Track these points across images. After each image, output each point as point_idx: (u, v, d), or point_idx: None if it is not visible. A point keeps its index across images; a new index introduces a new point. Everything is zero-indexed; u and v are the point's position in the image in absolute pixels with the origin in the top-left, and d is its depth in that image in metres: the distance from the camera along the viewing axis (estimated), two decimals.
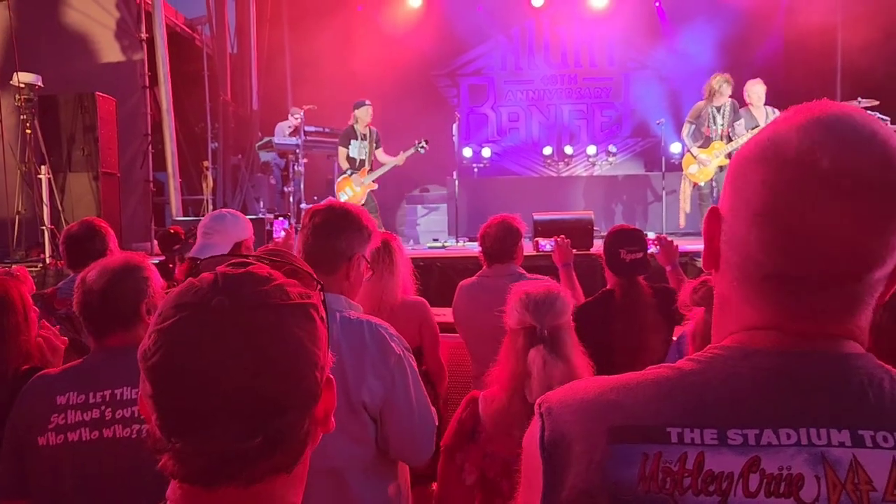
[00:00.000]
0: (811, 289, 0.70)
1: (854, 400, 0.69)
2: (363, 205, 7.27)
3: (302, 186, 8.19)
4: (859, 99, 8.64)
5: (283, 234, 3.37)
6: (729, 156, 7.22)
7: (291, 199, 8.29)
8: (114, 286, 1.75)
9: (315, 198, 8.65)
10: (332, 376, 0.83)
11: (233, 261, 0.82)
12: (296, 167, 8.17)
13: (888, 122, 8.71)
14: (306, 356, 0.77)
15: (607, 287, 2.99)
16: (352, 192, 7.58)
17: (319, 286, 0.86)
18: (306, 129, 8.23)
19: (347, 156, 7.58)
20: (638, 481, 0.68)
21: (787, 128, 0.71)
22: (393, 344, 1.82)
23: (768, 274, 0.71)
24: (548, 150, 11.76)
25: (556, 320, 1.91)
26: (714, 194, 7.32)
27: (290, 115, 9.02)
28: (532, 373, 1.84)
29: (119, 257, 1.86)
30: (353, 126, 7.63)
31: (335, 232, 1.90)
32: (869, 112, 0.74)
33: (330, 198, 8.33)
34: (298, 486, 0.82)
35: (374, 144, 7.69)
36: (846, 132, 0.69)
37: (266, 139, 8.82)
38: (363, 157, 7.60)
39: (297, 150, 8.12)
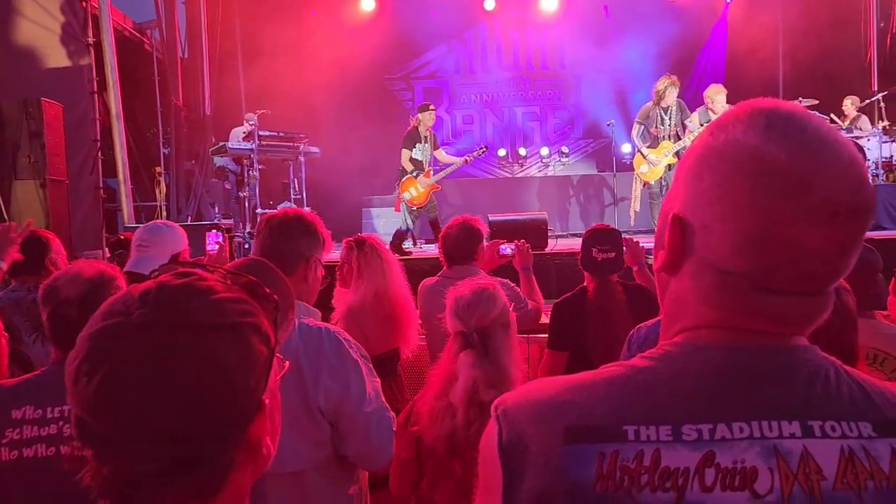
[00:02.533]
0: (790, 300, 0.72)
1: (802, 391, 0.71)
2: (426, 204, 7.65)
3: (257, 192, 8.13)
4: (800, 99, 8.96)
5: (216, 247, 3.26)
6: (677, 154, 7.43)
7: (247, 205, 8.22)
8: (93, 296, 1.70)
9: (271, 203, 8.60)
10: (269, 400, 0.79)
11: (179, 270, 0.79)
12: (251, 172, 8.10)
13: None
14: (227, 382, 0.73)
15: (583, 284, 3.06)
16: (416, 192, 7.77)
17: (275, 304, 0.83)
18: (260, 133, 8.16)
19: (411, 157, 7.80)
20: (595, 481, 0.68)
21: (766, 143, 0.70)
22: (350, 350, 1.85)
23: (751, 287, 0.72)
24: (502, 152, 11.90)
25: (482, 321, 1.94)
26: (663, 192, 7.51)
27: (245, 121, 8.95)
28: (459, 375, 1.91)
29: (90, 266, 1.83)
30: (416, 129, 7.84)
31: (292, 234, 1.94)
32: (816, 113, 0.76)
33: (285, 204, 8.30)
34: None
35: (433, 147, 7.94)
36: (828, 155, 0.70)
37: (220, 144, 8.72)
38: (425, 159, 7.82)
39: (252, 155, 8.06)
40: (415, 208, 7.81)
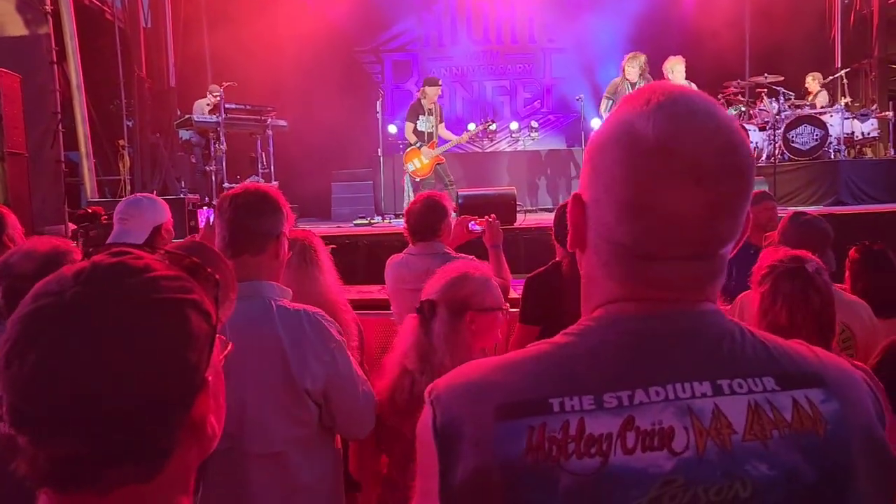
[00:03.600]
0: (674, 266, 0.77)
1: (711, 353, 0.76)
2: (430, 177, 7.74)
3: (224, 166, 8.03)
4: (766, 75, 9.07)
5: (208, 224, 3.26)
6: None
7: (214, 179, 8.12)
8: (48, 271, 1.70)
9: (238, 177, 8.49)
10: (212, 378, 0.78)
11: (114, 249, 0.77)
12: (217, 146, 8.00)
13: (792, 97, 9.18)
14: (166, 359, 0.72)
15: (556, 259, 3.06)
16: (419, 163, 7.85)
17: (216, 283, 0.82)
18: (227, 106, 8.04)
19: (415, 129, 7.89)
20: (525, 453, 0.71)
21: (638, 114, 0.77)
22: (331, 329, 1.88)
23: (634, 255, 0.77)
24: (471, 127, 11.84)
25: (457, 294, 1.94)
26: None
27: (209, 93, 8.80)
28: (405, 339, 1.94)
29: (45, 242, 1.82)
30: (420, 101, 7.91)
31: (261, 212, 1.93)
32: (703, 92, 0.81)
33: (252, 179, 8.21)
34: (173, 490, 0.77)
35: (438, 119, 7.99)
36: (695, 123, 0.75)
37: (185, 117, 8.58)
38: (430, 131, 7.87)
39: (218, 129, 7.95)
40: (418, 180, 7.84)
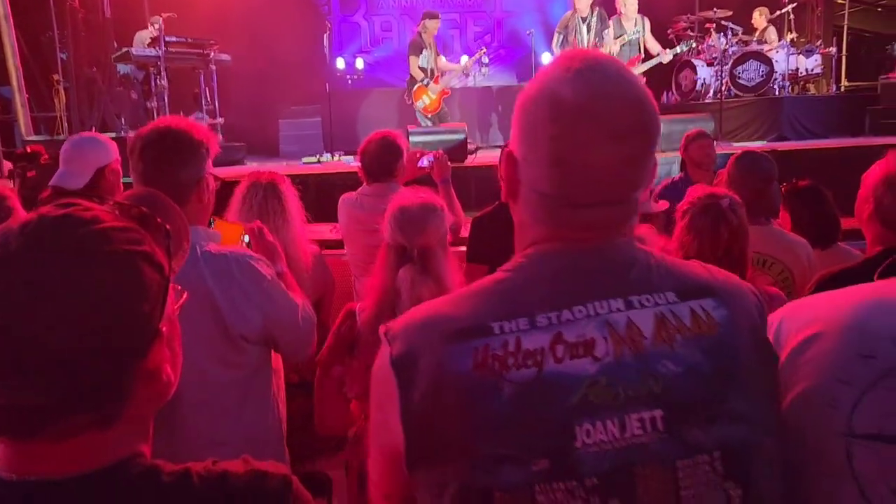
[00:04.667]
0: (594, 211, 0.90)
1: (623, 276, 0.89)
2: (440, 111, 7.77)
3: (167, 102, 7.76)
4: (714, 10, 9.10)
5: None
6: None
7: (156, 116, 7.85)
8: None
9: (181, 113, 8.23)
10: (167, 328, 0.80)
11: (62, 201, 0.77)
12: (158, 81, 7.71)
13: (739, 33, 9.26)
14: (118, 309, 0.73)
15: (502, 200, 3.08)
16: (428, 99, 7.82)
17: (167, 234, 0.83)
18: (167, 39, 7.72)
19: (419, 65, 7.75)
20: (473, 369, 0.83)
21: (559, 80, 0.88)
22: (260, 267, 1.82)
23: (559, 204, 0.90)
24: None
25: (427, 240, 1.91)
26: None
27: (149, 24, 8.42)
28: (401, 292, 1.88)
29: None
30: (420, 36, 7.78)
31: (176, 158, 1.78)
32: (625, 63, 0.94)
33: (197, 115, 7.96)
34: (131, 437, 0.79)
35: (435, 52, 7.93)
36: (609, 87, 0.87)
37: (123, 50, 8.21)
38: (432, 67, 7.80)
39: (159, 63, 7.64)
40: (429, 115, 7.72)
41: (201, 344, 1.74)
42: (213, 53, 8.09)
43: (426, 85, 7.80)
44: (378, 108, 10.45)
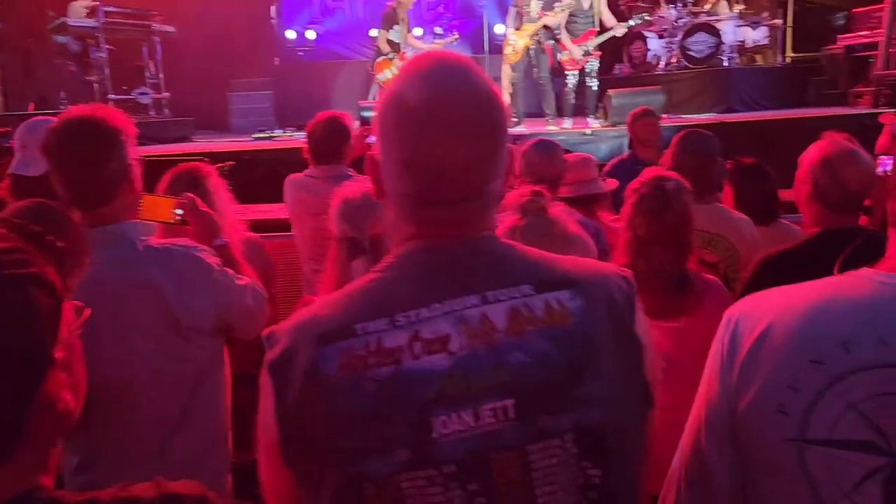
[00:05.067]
0: (450, 207, 0.93)
1: (480, 271, 0.93)
2: None
3: (108, 75, 7.51)
4: None
5: None
6: (536, 37, 7.52)
7: (96, 89, 7.59)
8: None
9: (124, 88, 7.98)
10: (63, 353, 0.77)
11: None
12: (97, 53, 7.44)
13: (690, 4, 9.32)
14: (5, 339, 0.70)
15: None
16: (391, 74, 7.62)
17: (61, 252, 0.80)
18: (106, 9, 7.44)
19: (388, 39, 7.60)
20: (339, 369, 0.87)
21: (407, 84, 0.92)
22: (205, 257, 1.79)
23: (416, 203, 0.94)
24: (374, 32, 11.44)
25: (376, 228, 1.87)
26: (523, 72, 7.65)
27: None
28: None
29: None
30: (394, 10, 7.59)
31: (95, 162, 1.68)
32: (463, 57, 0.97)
33: (141, 89, 7.72)
34: (29, 471, 0.77)
35: (406, 28, 7.75)
36: (451, 92, 0.90)
37: (59, 20, 7.89)
38: (400, 41, 7.64)
39: (97, 34, 7.37)
40: None
41: (152, 341, 1.71)
42: (155, 24, 7.84)
43: (391, 59, 7.68)
44: (331, 82, 10.27)
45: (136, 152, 1.78)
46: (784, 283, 1.06)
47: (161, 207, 1.96)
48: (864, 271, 0.98)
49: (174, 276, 1.72)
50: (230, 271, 1.85)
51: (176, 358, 1.76)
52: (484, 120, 0.91)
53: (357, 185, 1.98)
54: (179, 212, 1.96)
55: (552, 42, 7.57)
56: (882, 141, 3.70)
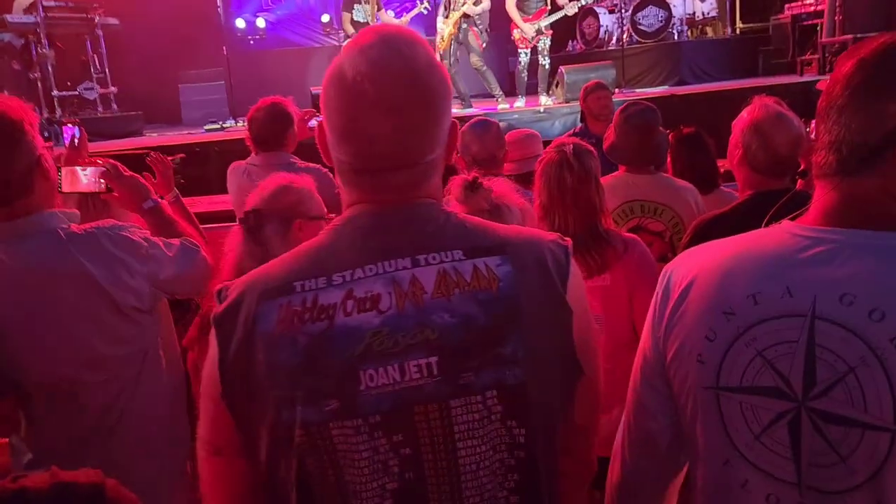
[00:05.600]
0: (385, 175, 0.97)
1: (415, 235, 0.97)
2: None
3: (51, 72, 7.32)
4: None
5: (74, 141, 2.73)
6: (456, 23, 7.56)
7: (40, 87, 7.40)
8: None
9: (69, 83, 7.79)
10: None
11: None
12: (40, 49, 7.25)
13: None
14: None
15: None
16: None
17: None
18: (45, 4, 7.24)
19: (352, 20, 7.56)
20: (277, 324, 0.92)
21: (346, 59, 0.96)
22: (132, 235, 1.76)
23: (355, 169, 0.98)
24: (325, 18, 11.32)
25: (267, 205, 1.84)
26: (455, 58, 7.70)
27: None
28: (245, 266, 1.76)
29: None
30: None
31: (3, 152, 1.62)
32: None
33: (86, 84, 7.53)
34: None
35: (377, 7, 7.63)
36: (384, 65, 0.93)
37: None
38: (367, 20, 7.54)
39: (38, 30, 7.17)
40: None
41: (91, 326, 1.69)
42: (98, 17, 7.65)
43: None
44: (283, 69, 10.15)
45: (41, 140, 1.71)
46: None
47: (81, 178, 1.92)
48: (785, 224, 1.00)
49: (103, 259, 1.70)
50: (159, 241, 1.81)
51: (118, 340, 1.75)
52: (417, 92, 0.94)
53: (282, 176, 1.93)
54: (102, 181, 1.93)
55: (478, 28, 7.58)
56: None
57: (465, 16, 7.49)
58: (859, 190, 0.92)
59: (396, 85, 0.93)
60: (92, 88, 7.79)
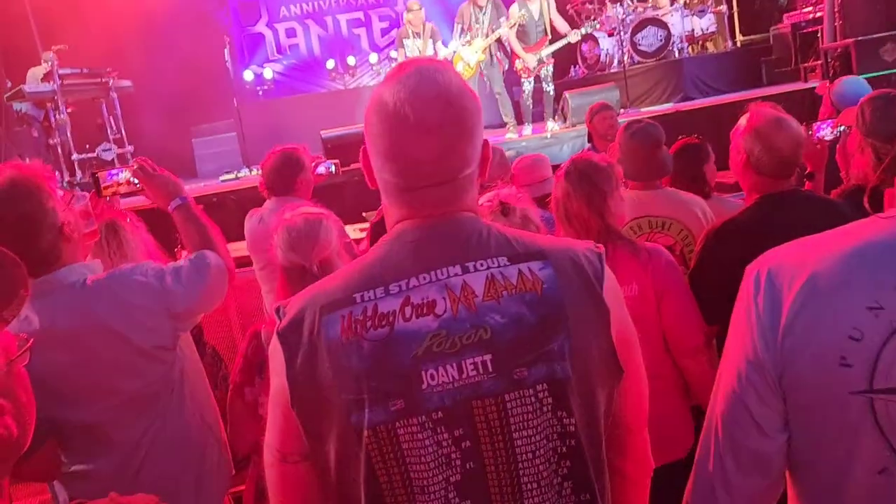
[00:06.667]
0: (428, 192, 1.05)
1: (463, 245, 1.05)
2: None
3: (70, 136, 7.52)
4: None
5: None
6: (486, 50, 7.65)
7: (60, 152, 7.60)
8: None
9: (87, 146, 8.00)
10: (5, 381, 0.78)
11: None
12: (58, 116, 7.46)
13: (634, 1, 9.47)
14: None
15: None
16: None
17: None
18: (61, 72, 7.47)
19: (405, 55, 7.80)
20: (341, 333, 1.00)
21: (386, 88, 1.05)
22: (144, 278, 1.78)
23: (401, 188, 1.06)
24: (331, 64, 11.54)
25: (323, 253, 1.85)
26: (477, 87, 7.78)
27: (42, 61, 8.12)
28: None
29: None
30: (406, 27, 7.86)
31: (27, 234, 1.63)
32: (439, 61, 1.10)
33: (104, 146, 7.70)
34: None
35: (432, 40, 7.84)
36: (421, 91, 1.02)
37: (16, 88, 7.90)
38: (424, 53, 7.76)
39: (56, 97, 7.39)
40: None
41: (119, 371, 1.74)
42: (111, 81, 7.87)
43: None
44: (292, 116, 10.32)
45: (62, 199, 1.76)
46: (733, 250, 1.08)
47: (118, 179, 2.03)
48: (875, 218, 0.98)
49: (120, 308, 1.74)
50: (168, 272, 1.82)
51: (145, 379, 1.79)
52: (452, 114, 1.03)
53: (297, 212, 1.97)
54: (135, 180, 2.00)
55: (500, 53, 7.72)
56: (823, 109, 3.80)
57: (497, 40, 7.63)
58: None
59: (433, 108, 1.02)
60: (109, 149, 7.98)
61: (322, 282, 1.08)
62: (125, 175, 2.02)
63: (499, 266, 1.02)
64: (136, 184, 2.01)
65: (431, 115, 1.01)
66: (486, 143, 1.09)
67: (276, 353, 1.04)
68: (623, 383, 1.08)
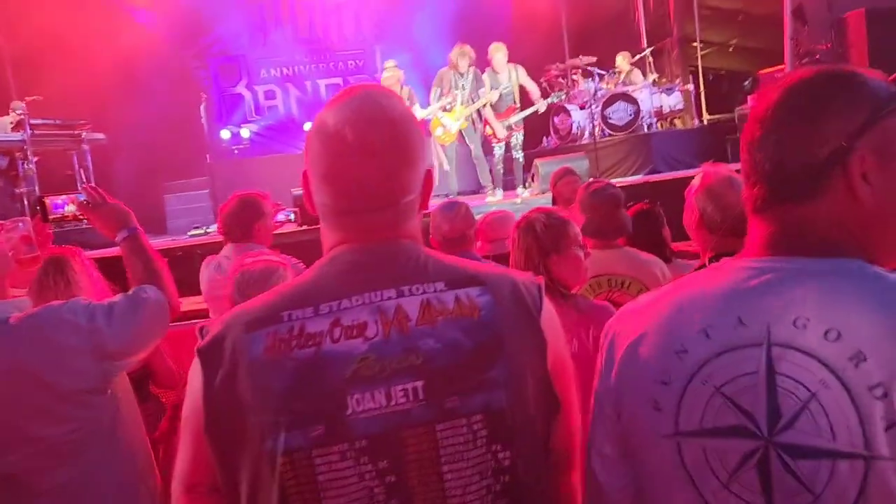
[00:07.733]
0: (366, 216, 1.04)
1: (399, 269, 1.02)
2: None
3: (37, 186, 7.45)
4: (580, 57, 9.62)
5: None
6: (468, 118, 7.81)
7: (26, 202, 7.51)
8: None
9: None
10: None
11: None
12: (26, 165, 7.40)
13: (606, 76, 9.79)
14: None
15: None
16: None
17: None
18: (32, 122, 7.46)
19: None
20: (264, 352, 0.95)
21: (328, 111, 1.04)
22: (71, 316, 1.70)
23: (337, 211, 1.05)
24: (308, 126, 11.67)
25: None
26: (455, 152, 7.97)
27: (11, 110, 8.10)
28: None
29: None
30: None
31: None
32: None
33: (73, 196, 7.64)
34: None
35: (409, 102, 7.80)
36: (363, 115, 1.02)
37: None
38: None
39: (25, 147, 7.35)
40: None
41: (37, 416, 1.64)
42: (84, 133, 7.86)
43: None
44: (268, 175, 10.27)
45: None
46: None
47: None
48: (725, 261, 1.00)
49: (44, 349, 1.65)
50: (100, 309, 1.74)
51: (67, 425, 1.68)
52: (393, 141, 1.02)
53: (259, 258, 1.95)
54: (83, 198, 1.93)
55: (477, 119, 7.90)
56: None
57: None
58: (795, 217, 0.92)
59: (376, 131, 1.01)
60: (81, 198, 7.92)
61: (250, 301, 1.04)
62: (70, 208, 1.98)
63: (435, 291, 0.99)
64: (77, 213, 1.97)
65: (374, 137, 1.00)
66: (429, 172, 1.08)
67: (194, 373, 0.99)
68: (558, 416, 1.03)
